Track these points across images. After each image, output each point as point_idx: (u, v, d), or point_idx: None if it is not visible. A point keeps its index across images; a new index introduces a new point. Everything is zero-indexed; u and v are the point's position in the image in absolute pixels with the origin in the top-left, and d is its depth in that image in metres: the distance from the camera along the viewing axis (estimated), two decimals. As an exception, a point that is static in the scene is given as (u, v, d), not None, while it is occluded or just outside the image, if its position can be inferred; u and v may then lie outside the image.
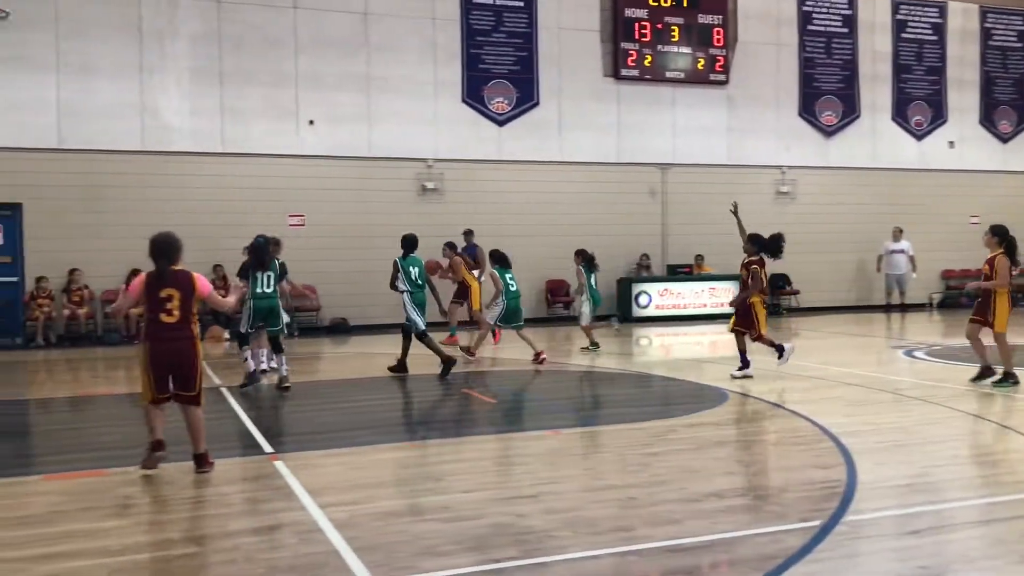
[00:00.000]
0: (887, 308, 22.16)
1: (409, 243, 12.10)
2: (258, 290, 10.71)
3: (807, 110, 22.21)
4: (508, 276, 13.57)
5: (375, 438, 8.09)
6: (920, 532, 5.11)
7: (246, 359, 10.80)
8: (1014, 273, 10.11)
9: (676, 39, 20.94)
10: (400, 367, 11.84)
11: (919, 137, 23.35)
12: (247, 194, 17.69)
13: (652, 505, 5.66)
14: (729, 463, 6.79)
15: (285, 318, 13.86)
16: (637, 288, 20.08)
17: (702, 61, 21.15)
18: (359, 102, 18.59)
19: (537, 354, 12.90)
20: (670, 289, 20.35)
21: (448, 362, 11.43)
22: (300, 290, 14.53)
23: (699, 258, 20.97)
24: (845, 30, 22.51)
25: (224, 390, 10.57)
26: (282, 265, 12.92)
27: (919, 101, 23.31)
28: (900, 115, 23.13)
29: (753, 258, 11.14)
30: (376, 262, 18.42)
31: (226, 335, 15.23)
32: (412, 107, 18.96)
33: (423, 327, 11.70)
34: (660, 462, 6.85)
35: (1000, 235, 10.11)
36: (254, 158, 17.84)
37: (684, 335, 17.73)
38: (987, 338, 10.23)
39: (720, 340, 17.19)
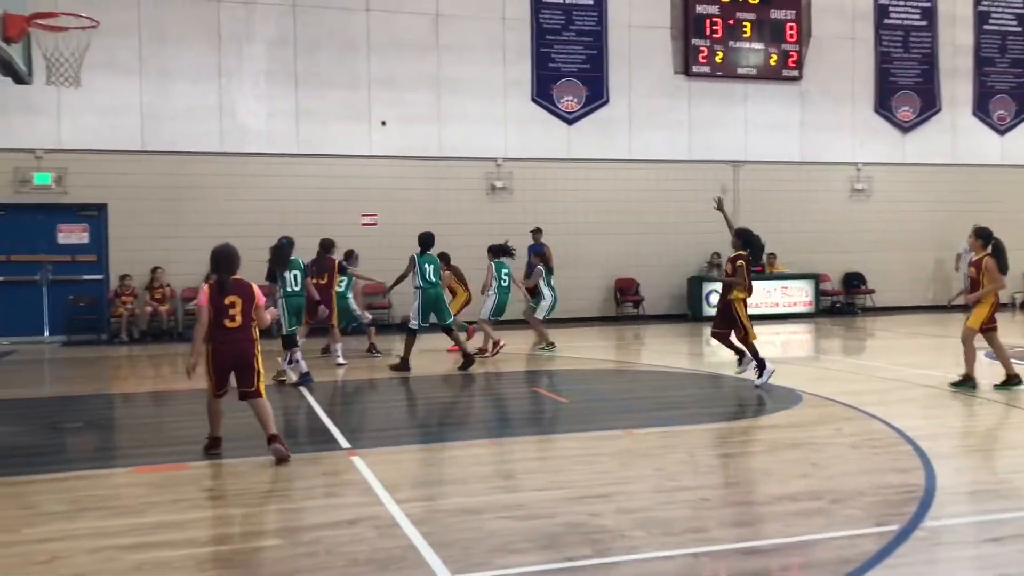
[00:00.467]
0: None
1: (425, 241, 12.36)
2: (288, 288, 11.08)
3: (883, 105, 21.73)
4: (504, 271, 13.67)
5: (449, 435, 8.22)
6: (1001, 539, 5.02)
7: (296, 361, 11.15)
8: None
9: (748, 35, 20.69)
10: (467, 361, 12.05)
11: (1002, 132, 22.67)
12: (321, 194, 18.05)
13: (725, 507, 5.66)
14: (803, 465, 6.73)
15: (357, 312, 14.12)
16: (708, 287, 19.89)
17: (775, 57, 20.88)
18: (430, 102, 18.81)
19: (495, 344, 13.20)
20: (741, 288, 20.07)
21: (404, 366, 11.98)
22: (375, 285, 14.84)
23: (771, 257, 20.70)
24: (924, 23, 21.96)
25: (302, 387, 10.82)
26: (341, 266, 13.23)
27: (1002, 95, 22.63)
28: (982, 109, 22.48)
29: (740, 252, 10.54)
30: (447, 261, 18.69)
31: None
32: (482, 107, 19.12)
33: (416, 327, 12.08)
34: (733, 463, 6.83)
35: (984, 238, 9.92)
36: (328, 159, 18.19)
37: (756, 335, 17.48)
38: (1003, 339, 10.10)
39: (793, 340, 16.98)
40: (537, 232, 18.20)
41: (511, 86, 19.34)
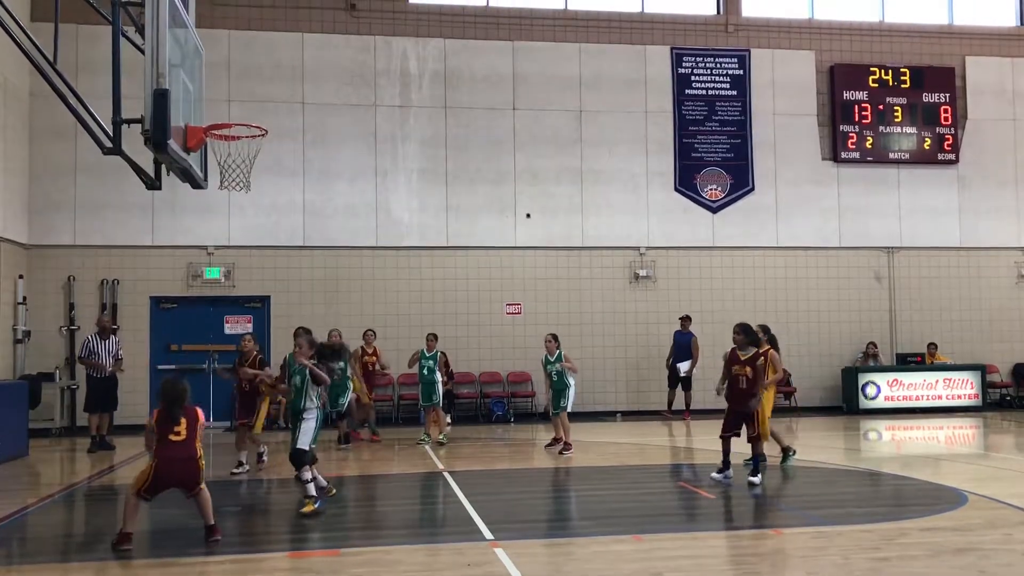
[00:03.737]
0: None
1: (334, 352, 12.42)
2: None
3: (1051, 187, 20.66)
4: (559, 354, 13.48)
5: (594, 529, 8.14)
6: None
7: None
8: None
9: (899, 119, 20.24)
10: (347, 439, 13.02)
11: None
12: (468, 284, 18.62)
13: (883, 615, 5.36)
14: (971, 573, 6.32)
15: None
16: (864, 378, 19.13)
17: (928, 140, 20.30)
18: (573, 194, 19.20)
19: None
20: (900, 379, 19.23)
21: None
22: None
23: (932, 346, 19.76)
24: (1092, 100, 20.90)
25: (447, 474, 10.99)
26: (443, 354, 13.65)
27: None
28: None
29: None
30: (591, 348, 18.77)
31: (448, 420, 15.84)
32: (624, 197, 19.36)
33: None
34: (891, 568, 6.48)
35: (766, 332, 11.92)
36: (475, 250, 18.77)
37: (917, 428, 16.65)
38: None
39: (957, 434, 16.02)
40: (686, 320, 18.23)
41: (653, 176, 19.52)
